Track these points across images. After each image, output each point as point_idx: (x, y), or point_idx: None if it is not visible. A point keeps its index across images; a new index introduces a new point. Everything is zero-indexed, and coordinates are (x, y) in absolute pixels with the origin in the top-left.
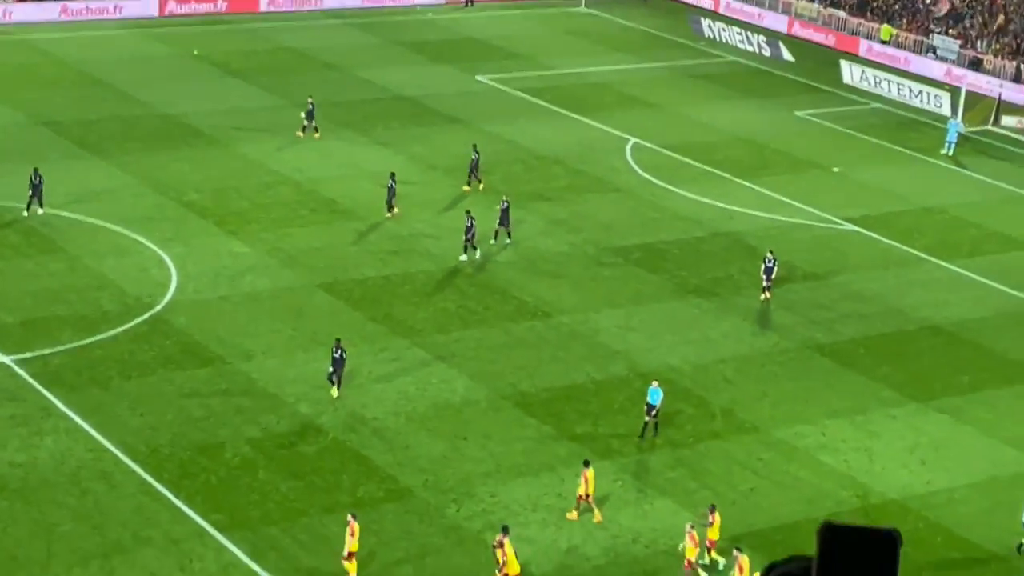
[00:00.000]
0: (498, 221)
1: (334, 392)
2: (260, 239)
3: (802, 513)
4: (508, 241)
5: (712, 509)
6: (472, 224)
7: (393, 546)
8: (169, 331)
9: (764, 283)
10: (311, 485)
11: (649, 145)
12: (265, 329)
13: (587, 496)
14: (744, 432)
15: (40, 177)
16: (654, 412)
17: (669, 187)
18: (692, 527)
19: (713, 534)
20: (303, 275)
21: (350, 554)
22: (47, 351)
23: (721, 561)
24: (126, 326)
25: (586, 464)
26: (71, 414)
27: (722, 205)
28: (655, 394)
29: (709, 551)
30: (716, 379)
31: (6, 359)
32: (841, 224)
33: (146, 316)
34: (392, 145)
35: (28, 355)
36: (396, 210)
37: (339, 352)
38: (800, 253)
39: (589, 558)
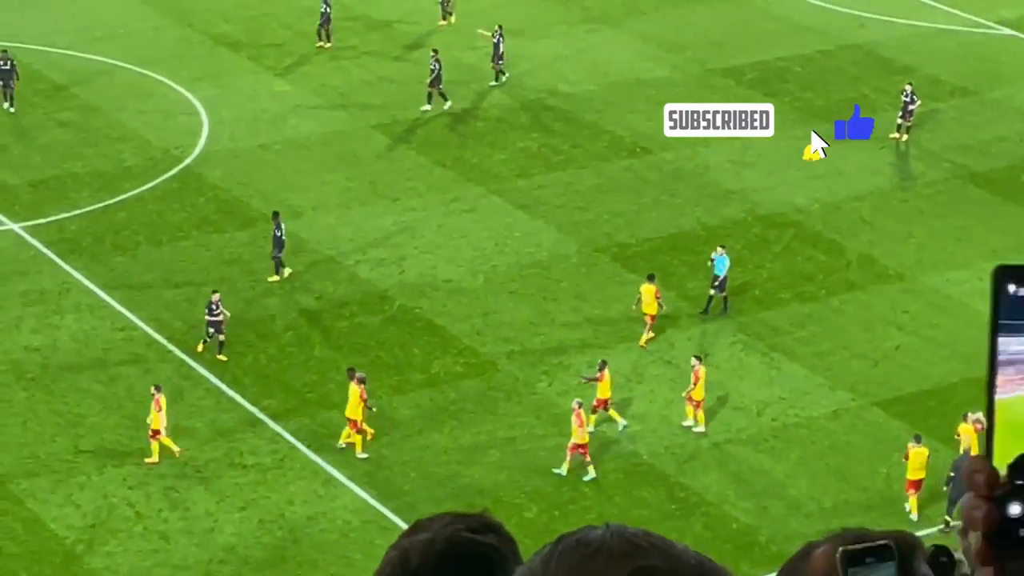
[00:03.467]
0: (491, 57)
1: (273, 277)
2: (304, 75)
3: (958, 373)
4: (500, 80)
5: (603, 365)
6: (437, 67)
7: (476, 428)
8: (203, 187)
9: (899, 121)
10: (377, 362)
11: None
12: (315, 181)
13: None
14: (886, 281)
15: (12, 63)
16: (720, 284)
17: None
18: (580, 404)
19: (603, 392)
20: (356, 115)
21: (155, 432)
22: (62, 215)
23: (620, 421)
24: (153, 183)
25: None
26: (94, 288)
27: (851, 11)
28: (721, 263)
29: (596, 410)
30: (851, 219)
31: (15, 227)
32: (995, 28)
33: (175, 170)
34: None
35: (40, 221)
36: (452, 17)
37: (279, 231)
38: (946, 64)
39: (707, 434)
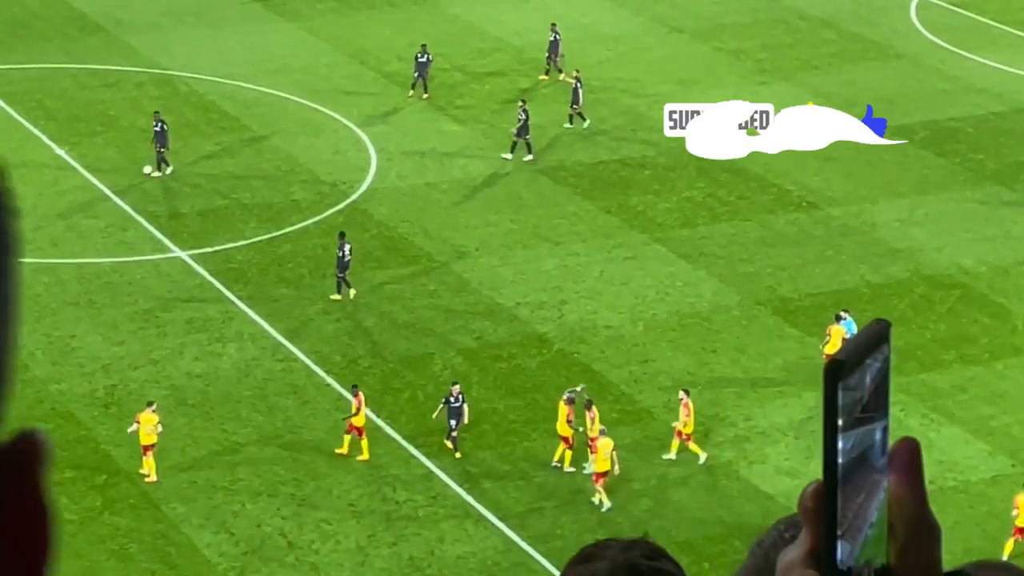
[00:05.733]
0: (570, 102)
1: (335, 296)
2: (474, 116)
3: None
4: (585, 125)
5: (589, 404)
6: (524, 117)
7: (629, 475)
8: (368, 223)
9: None
10: (533, 404)
11: (938, 2)
12: (479, 221)
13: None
14: None
15: (163, 124)
16: None
17: (962, 52)
18: (604, 431)
19: (601, 463)
20: (523, 158)
21: (145, 447)
22: (229, 245)
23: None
24: (319, 217)
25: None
26: (257, 318)
27: None
28: (848, 327)
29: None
30: (1018, 284)
31: (182, 254)
32: None
33: (342, 205)
34: (628, 4)
35: (207, 250)
36: (562, 74)
37: (341, 251)
38: None
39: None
